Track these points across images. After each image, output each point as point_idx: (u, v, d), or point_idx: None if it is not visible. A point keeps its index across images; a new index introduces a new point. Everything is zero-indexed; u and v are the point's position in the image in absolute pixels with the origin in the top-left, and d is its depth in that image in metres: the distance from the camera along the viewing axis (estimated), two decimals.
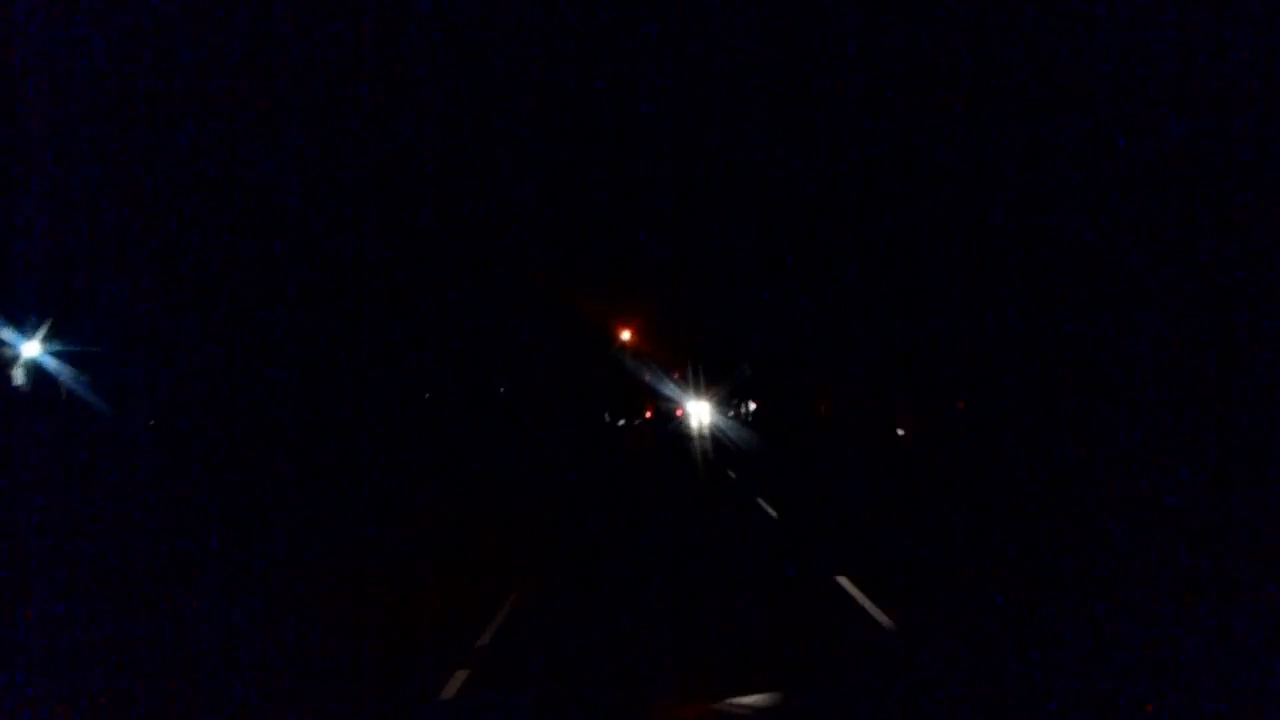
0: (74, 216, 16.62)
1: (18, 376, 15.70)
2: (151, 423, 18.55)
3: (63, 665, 5.95)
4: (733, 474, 20.22)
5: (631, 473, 22.17)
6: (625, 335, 43.55)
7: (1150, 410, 13.94)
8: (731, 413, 61.14)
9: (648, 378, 53.77)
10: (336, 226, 22.86)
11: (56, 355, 15.86)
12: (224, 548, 10.47)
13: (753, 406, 57.30)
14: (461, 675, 5.34)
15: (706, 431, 48.35)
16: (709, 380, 53.72)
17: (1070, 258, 18.41)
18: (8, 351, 15.53)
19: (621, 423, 60.05)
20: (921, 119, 23.01)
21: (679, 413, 63.34)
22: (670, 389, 55.49)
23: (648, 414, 65.14)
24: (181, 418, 18.61)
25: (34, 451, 13.95)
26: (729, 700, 3.20)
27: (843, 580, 7.72)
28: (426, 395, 31.76)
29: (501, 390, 36.37)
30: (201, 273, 19.66)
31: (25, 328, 15.42)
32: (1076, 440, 17.20)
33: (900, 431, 23.62)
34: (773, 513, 13.14)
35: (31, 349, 15.62)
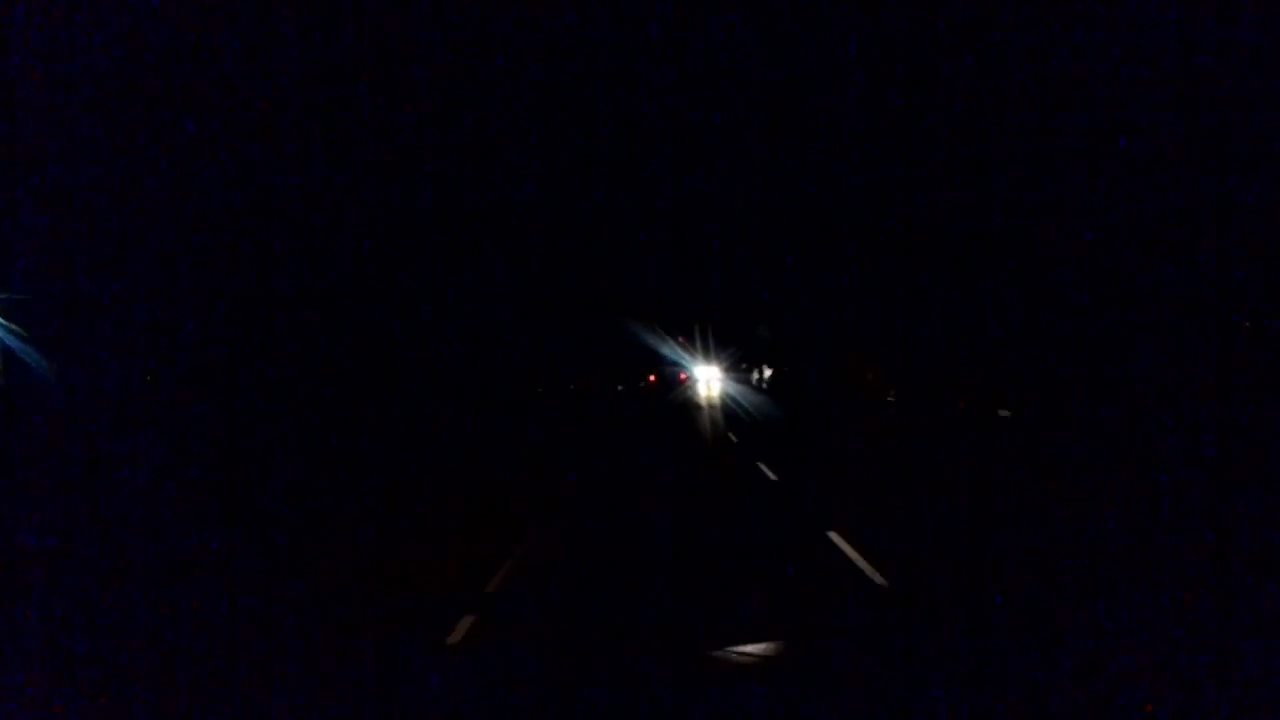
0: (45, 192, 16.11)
1: None
2: (148, 375, 19.13)
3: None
4: (769, 472, 13.50)
5: (626, 453, 17.21)
6: (624, 293, 39.27)
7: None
8: (742, 379, 56.41)
9: (649, 340, 49.54)
10: (335, 199, 22.59)
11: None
12: (230, 510, 10.13)
13: (768, 373, 52.62)
14: (468, 621, 5.45)
15: (718, 401, 43.79)
16: (718, 344, 49.13)
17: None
18: None
19: (621, 388, 55.60)
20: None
21: (683, 378, 58.09)
22: (674, 352, 50.98)
23: (651, 379, 60.32)
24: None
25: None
26: (730, 648, 3.00)
27: None
28: (414, 369, 29.71)
29: (481, 359, 33.37)
30: (195, 263, 19.69)
31: None
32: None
33: (1004, 413, 18.88)
34: (874, 572, 6.87)
35: None
